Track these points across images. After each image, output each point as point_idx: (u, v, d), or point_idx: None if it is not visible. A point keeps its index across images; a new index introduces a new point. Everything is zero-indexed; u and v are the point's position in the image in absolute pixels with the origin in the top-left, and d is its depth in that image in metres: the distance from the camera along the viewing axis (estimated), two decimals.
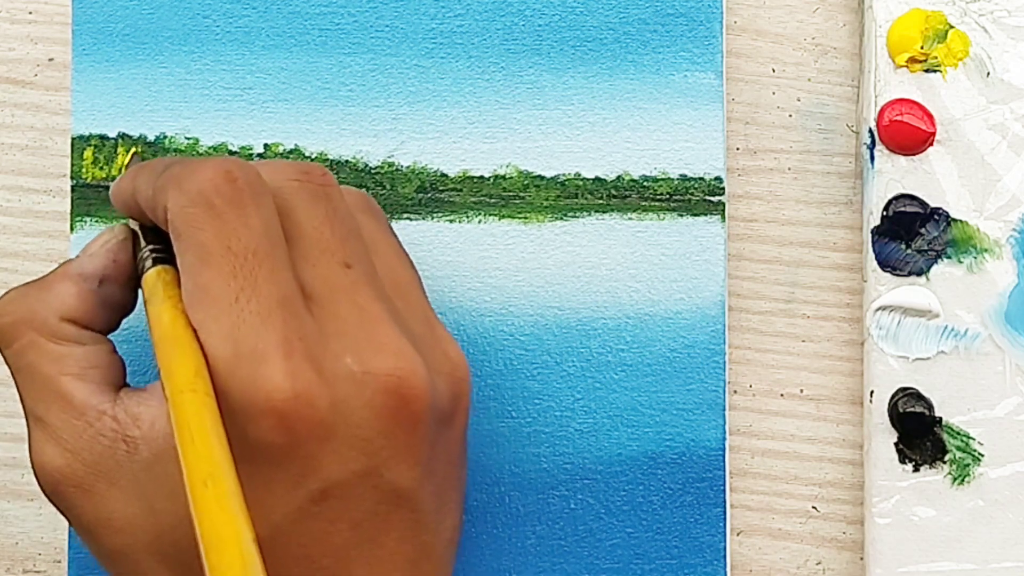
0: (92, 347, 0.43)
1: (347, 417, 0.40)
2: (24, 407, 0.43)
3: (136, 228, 0.44)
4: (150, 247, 0.43)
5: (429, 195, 0.50)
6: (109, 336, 0.44)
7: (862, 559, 0.50)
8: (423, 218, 0.50)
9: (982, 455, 0.49)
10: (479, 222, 0.50)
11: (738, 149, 0.51)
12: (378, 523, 0.41)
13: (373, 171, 0.50)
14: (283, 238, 0.41)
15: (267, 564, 0.38)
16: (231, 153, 0.50)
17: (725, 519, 0.49)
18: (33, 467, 0.43)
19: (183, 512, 0.38)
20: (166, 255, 0.42)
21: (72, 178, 0.50)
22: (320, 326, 0.41)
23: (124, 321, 0.45)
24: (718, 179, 0.50)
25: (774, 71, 0.51)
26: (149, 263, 0.42)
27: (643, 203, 0.50)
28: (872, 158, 0.49)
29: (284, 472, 0.40)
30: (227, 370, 0.39)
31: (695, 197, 0.50)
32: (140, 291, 0.43)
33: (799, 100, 0.51)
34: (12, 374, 0.43)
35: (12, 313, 0.43)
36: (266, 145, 0.50)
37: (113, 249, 0.44)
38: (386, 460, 0.41)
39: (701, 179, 0.50)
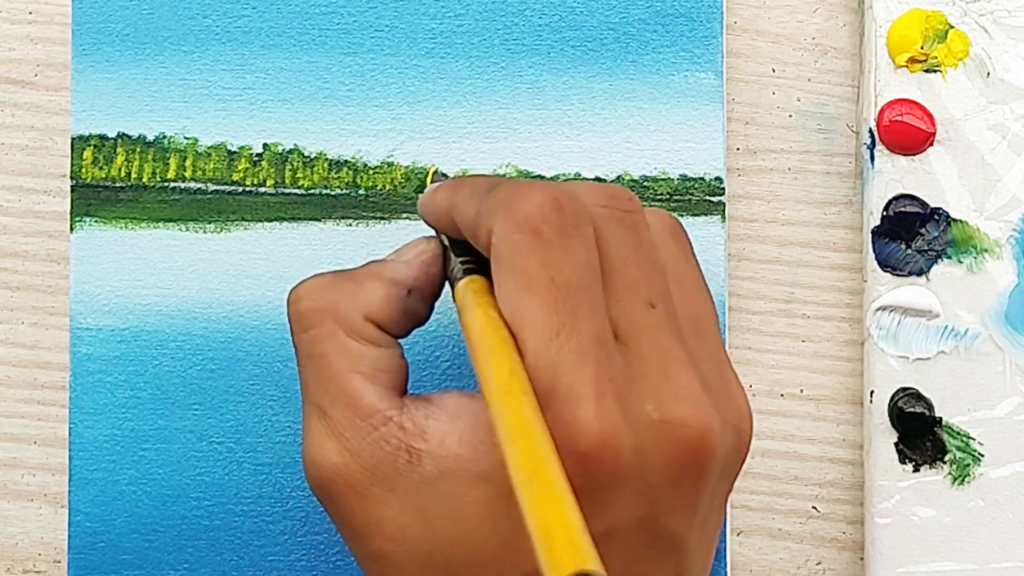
0: (387, 350, 0.42)
1: (641, 464, 0.39)
2: (305, 395, 0.42)
3: (446, 242, 0.44)
4: (460, 259, 0.42)
5: None
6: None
7: (862, 559, 0.50)
8: None
9: (982, 455, 0.49)
10: None
11: (738, 149, 0.51)
12: (646, 566, 0.40)
13: (372, 171, 0.50)
14: (599, 271, 0.40)
15: None
16: (230, 153, 0.50)
17: (725, 519, 0.49)
18: (305, 457, 0.42)
19: (465, 533, 0.38)
20: (476, 267, 0.42)
21: (72, 178, 0.50)
22: (625, 367, 0.40)
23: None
24: (718, 179, 0.50)
25: (774, 71, 0.51)
26: (460, 274, 0.42)
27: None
28: (872, 158, 0.49)
29: None
30: (540, 405, 0.39)
31: (695, 197, 0.50)
32: (453, 302, 0.42)
33: (799, 100, 0.51)
34: (298, 357, 0.43)
35: (316, 300, 0.42)
36: (265, 145, 0.50)
37: (427, 261, 0.43)
38: (667, 508, 0.40)
39: (701, 179, 0.50)
